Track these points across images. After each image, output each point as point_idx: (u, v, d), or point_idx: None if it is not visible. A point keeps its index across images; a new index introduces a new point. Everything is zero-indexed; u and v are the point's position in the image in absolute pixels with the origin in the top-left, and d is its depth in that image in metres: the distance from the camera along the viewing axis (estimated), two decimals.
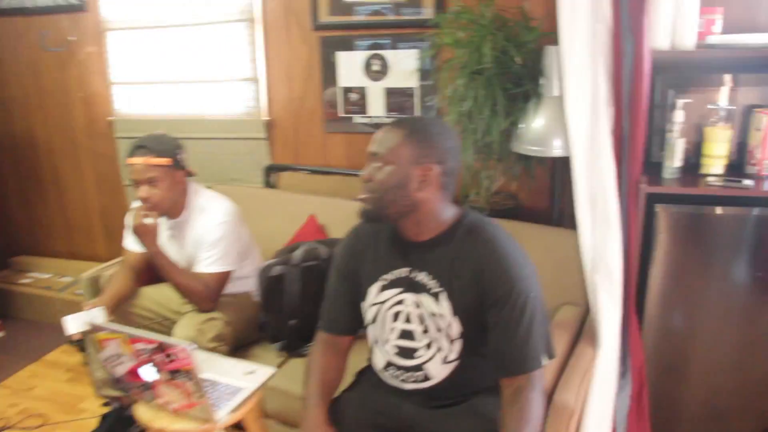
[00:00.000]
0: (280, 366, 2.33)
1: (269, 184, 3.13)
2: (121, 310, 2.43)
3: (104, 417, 2.63)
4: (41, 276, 3.77)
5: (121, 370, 1.71)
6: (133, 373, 1.69)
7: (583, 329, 2.13)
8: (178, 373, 1.57)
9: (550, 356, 1.55)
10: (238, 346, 2.41)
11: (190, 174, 2.36)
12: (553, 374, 1.85)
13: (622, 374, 2.14)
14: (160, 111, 3.36)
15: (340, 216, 2.77)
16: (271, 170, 3.13)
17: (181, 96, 3.30)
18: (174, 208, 2.35)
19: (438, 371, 1.62)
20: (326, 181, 3.00)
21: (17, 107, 3.76)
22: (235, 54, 3.12)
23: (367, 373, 1.84)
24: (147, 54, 3.33)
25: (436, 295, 1.58)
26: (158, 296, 2.52)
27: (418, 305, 1.61)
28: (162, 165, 2.24)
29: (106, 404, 2.66)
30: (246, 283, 2.50)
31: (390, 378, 1.71)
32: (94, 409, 2.84)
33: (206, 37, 3.17)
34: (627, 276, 2.04)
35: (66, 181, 3.78)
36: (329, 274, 1.78)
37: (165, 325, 2.51)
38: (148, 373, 1.65)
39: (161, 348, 1.55)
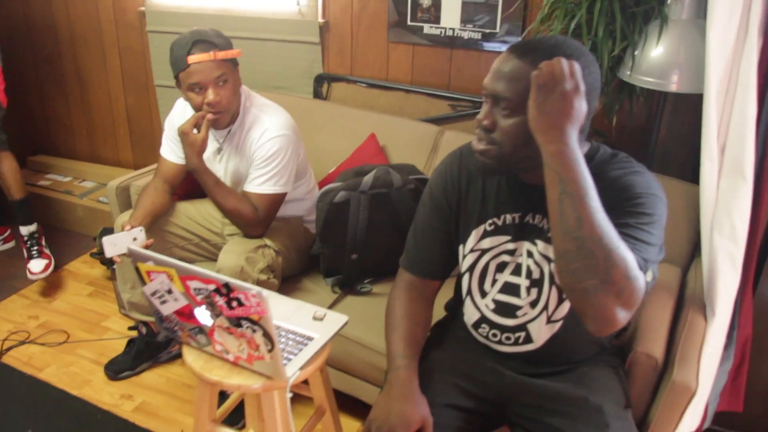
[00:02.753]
0: (333, 304, 2.08)
1: (319, 96, 2.79)
2: (154, 228, 2.16)
3: (131, 342, 2.41)
4: (60, 179, 3.48)
5: (168, 308, 1.44)
6: (185, 313, 1.42)
7: (685, 294, 1.86)
8: (242, 320, 1.30)
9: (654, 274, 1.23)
10: (285, 278, 2.15)
11: None
12: (662, 345, 1.60)
13: (725, 347, 1.88)
14: (199, 3, 2.96)
15: (400, 137, 2.46)
16: (323, 80, 2.78)
17: None
18: (228, 115, 2.03)
19: (541, 333, 1.38)
20: (385, 97, 2.67)
21: None
22: None
23: (450, 328, 1.59)
24: None
25: None
26: (196, 214, 2.25)
27: (530, 254, 1.35)
28: (231, 57, 1.92)
29: (132, 328, 2.44)
30: (298, 207, 2.22)
31: (481, 337, 1.46)
32: (119, 329, 2.64)
33: None
34: (751, 238, 1.75)
35: (90, 77, 3.42)
36: (421, 200, 1.50)
37: (203, 248, 2.26)
38: (204, 316, 1.39)
39: (226, 290, 1.27)
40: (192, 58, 1.88)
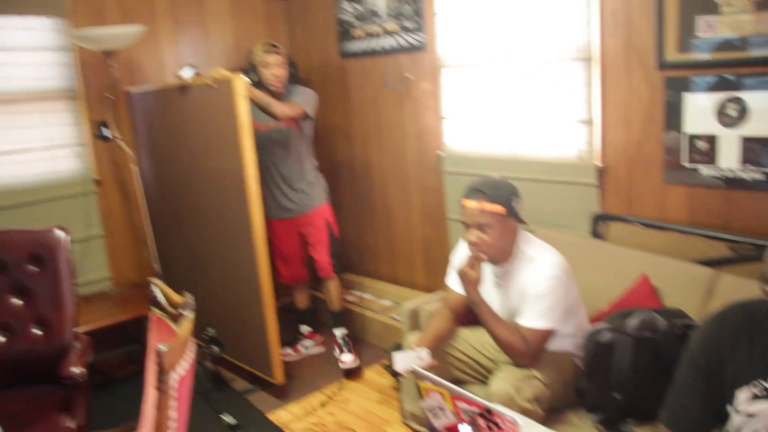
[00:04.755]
0: None
1: (596, 234, 2.92)
2: (437, 350, 2.45)
3: None
4: (364, 295, 4.07)
5: (440, 423, 1.68)
6: (453, 429, 1.64)
7: None
8: None
9: None
10: (552, 409, 2.26)
11: (521, 222, 2.29)
12: None
13: None
14: (487, 149, 3.38)
15: (676, 280, 2.45)
16: (601, 219, 2.92)
17: (510, 135, 3.28)
18: (501, 254, 2.30)
19: None
20: (662, 238, 2.69)
21: (358, 138, 4.14)
22: (569, 94, 2.98)
23: None
24: (478, 91, 3.38)
25: None
26: (474, 340, 2.50)
27: None
28: (495, 212, 2.19)
29: None
30: (568, 342, 2.34)
31: None
32: None
33: (539, 76, 3.09)
34: None
35: (394, 209, 4.03)
36: (682, 358, 1.54)
37: (478, 371, 2.48)
38: None
39: (487, 413, 1.47)
40: (465, 202, 2.24)
